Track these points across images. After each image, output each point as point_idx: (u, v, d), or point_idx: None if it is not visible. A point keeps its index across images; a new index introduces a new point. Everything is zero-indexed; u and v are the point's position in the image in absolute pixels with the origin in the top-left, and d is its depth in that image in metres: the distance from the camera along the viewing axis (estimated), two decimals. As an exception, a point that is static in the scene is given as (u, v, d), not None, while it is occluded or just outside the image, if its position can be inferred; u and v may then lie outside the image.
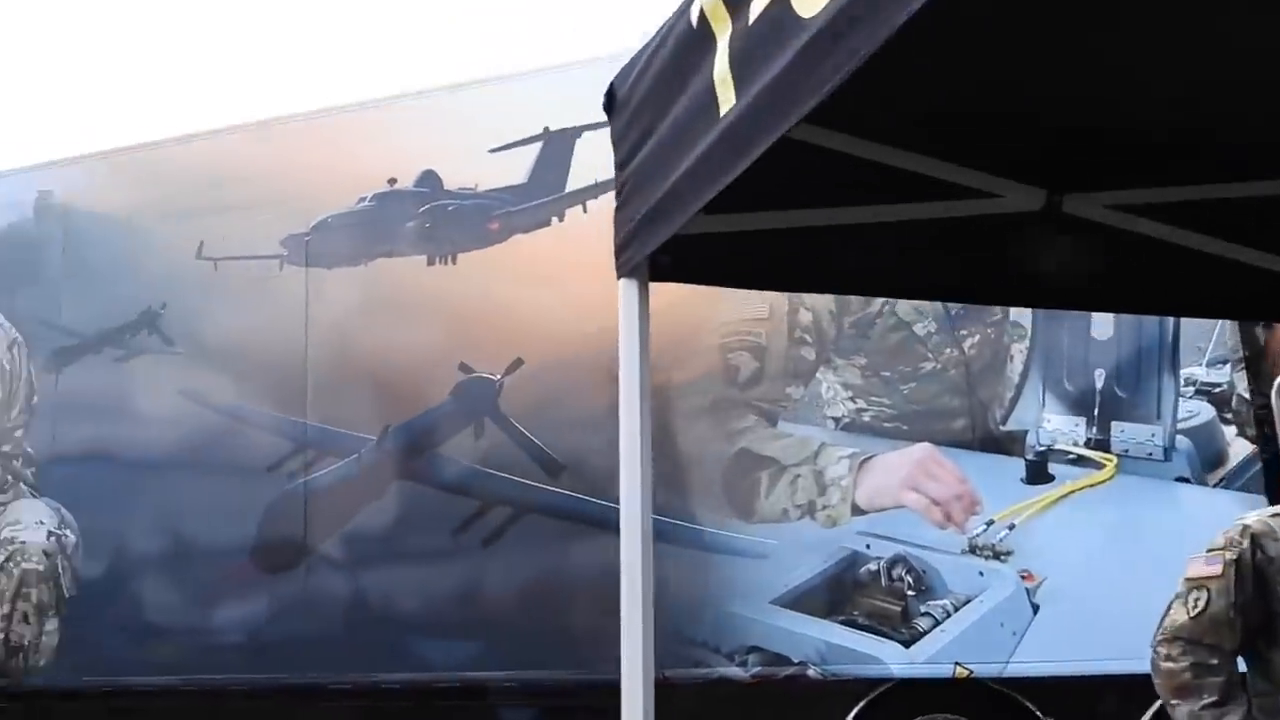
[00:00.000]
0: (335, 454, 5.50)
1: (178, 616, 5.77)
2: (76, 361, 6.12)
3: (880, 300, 4.75)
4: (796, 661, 4.59)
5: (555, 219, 5.29)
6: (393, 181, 5.60)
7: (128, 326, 6.00)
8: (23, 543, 6.02)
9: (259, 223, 5.84)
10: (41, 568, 5.94)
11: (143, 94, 15.91)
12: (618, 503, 5.11)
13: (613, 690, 5.23)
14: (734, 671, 4.68)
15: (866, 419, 4.76)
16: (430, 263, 5.48)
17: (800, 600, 4.64)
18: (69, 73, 17.55)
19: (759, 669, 4.65)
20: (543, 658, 5.01)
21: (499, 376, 5.23)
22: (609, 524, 5.12)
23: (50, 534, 5.96)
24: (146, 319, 5.96)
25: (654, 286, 2.00)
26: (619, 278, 1.85)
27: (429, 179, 5.54)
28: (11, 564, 6.00)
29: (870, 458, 4.67)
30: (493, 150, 5.39)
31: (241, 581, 5.61)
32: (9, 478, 6.16)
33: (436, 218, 5.48)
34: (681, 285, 5.21)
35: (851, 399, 4.79)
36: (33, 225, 6.43)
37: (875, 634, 4.56)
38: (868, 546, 4.63)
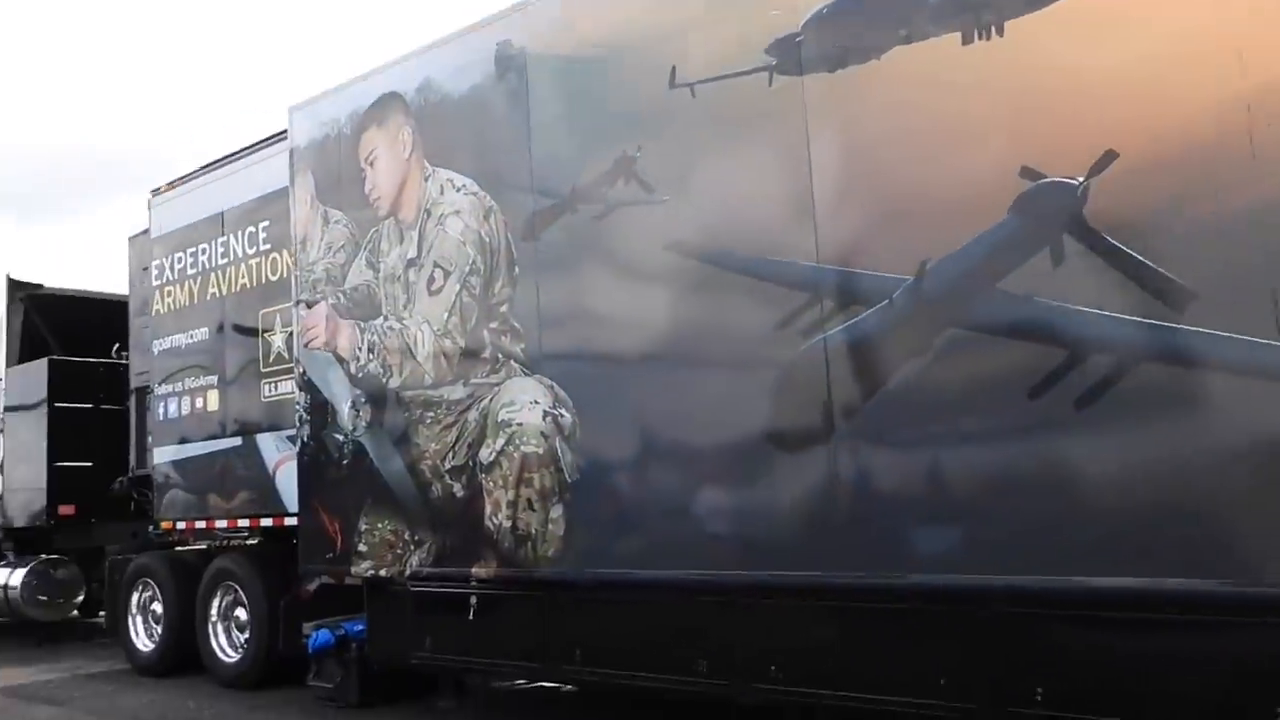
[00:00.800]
0: (860, 302, 4.39)
1: (680, 502, 5.04)
2: (554, 223, 5.52)
3: None
4: None
5: (1151, -55, 3.71)
6: (902, -55, 4.29)
7: (603, 178, 5.27)
8: (520, 424, 5.60)
9: (737, 32, 4.79)
10: (541, 451, 5.48)
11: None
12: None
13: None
14: None
15: None
16: (966, 40, 4.12)
17: None
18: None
19: None
20: (1166, 559, 3.65)
21: (1082, 179, 3.81)
22: (1268, 372, 3.59)
23: (545, 414, 5.48)
24: (622, 167, 5.20)
25: None
26: None
27: (955, -70, 4.17)
28: (511, 447, 5.62)
29: None
30: None
31: (754, 464, 4.74)
32: (499, 356, 5.76)
33: (970, -20, 4.12)
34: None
35: None
36: (494, 82, 5.88)
37: None
38: None
